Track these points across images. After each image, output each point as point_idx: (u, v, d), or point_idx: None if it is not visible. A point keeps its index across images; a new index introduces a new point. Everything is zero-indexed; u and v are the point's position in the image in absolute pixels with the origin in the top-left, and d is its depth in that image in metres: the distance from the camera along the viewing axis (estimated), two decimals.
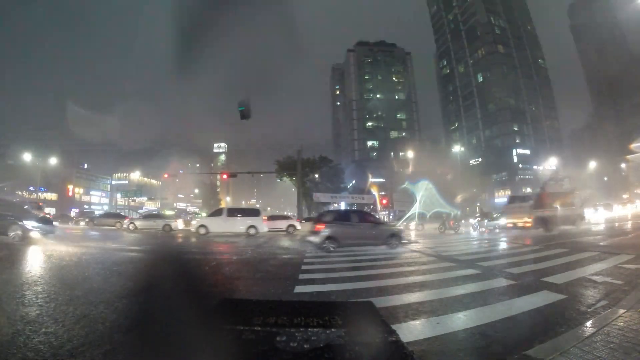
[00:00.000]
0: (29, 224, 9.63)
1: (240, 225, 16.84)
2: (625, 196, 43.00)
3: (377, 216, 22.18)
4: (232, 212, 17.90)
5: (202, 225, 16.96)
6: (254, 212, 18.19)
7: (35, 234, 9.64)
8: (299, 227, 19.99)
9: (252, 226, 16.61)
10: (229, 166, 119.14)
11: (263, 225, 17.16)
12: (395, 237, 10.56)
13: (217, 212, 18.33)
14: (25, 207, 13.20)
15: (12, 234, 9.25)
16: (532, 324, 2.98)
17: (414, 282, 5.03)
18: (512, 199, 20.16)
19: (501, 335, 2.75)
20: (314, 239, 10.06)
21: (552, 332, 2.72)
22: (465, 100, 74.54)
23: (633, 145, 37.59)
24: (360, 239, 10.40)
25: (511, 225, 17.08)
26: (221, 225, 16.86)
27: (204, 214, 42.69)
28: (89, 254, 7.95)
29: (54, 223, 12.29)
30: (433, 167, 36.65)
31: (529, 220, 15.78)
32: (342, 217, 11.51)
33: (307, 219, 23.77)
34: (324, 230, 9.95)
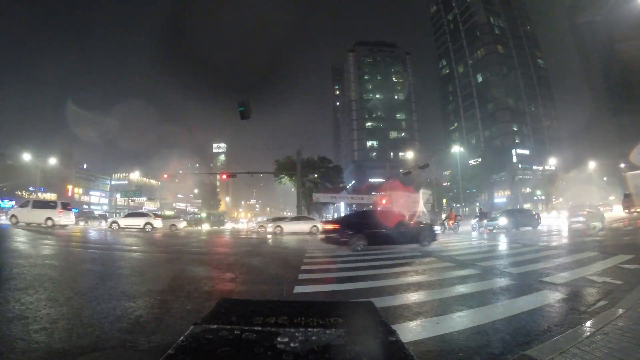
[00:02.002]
0: (438, 229, 10.72)
1: (41, 216, 18.78)
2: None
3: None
4: (37, 204, 19.73)
5: (13, 215, 18.95)
6: (51, 205, 19.92)
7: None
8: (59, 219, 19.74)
9: (49, 218, 18.65)
10: (229, 166, 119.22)
11: (59, 218, 18.92)
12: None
13: (25, 204, 19.97)
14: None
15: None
16: (532, 324, 2.98)
17: (414, 282, 5.03)
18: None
19: (501, 335, 2.75)
20: (582, 219, 16.36)
21: (551, 332, 2.72)
22: (465, 100, 74.52)
23: (632, 156, 37.81)
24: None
25: (627, 211, 26.68)
26: (27, 216, 18.72)
27: (203, 214, 42.71)
28: None
29: None
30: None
31: None
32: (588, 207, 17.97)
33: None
34: (586, 216, 16.25)
